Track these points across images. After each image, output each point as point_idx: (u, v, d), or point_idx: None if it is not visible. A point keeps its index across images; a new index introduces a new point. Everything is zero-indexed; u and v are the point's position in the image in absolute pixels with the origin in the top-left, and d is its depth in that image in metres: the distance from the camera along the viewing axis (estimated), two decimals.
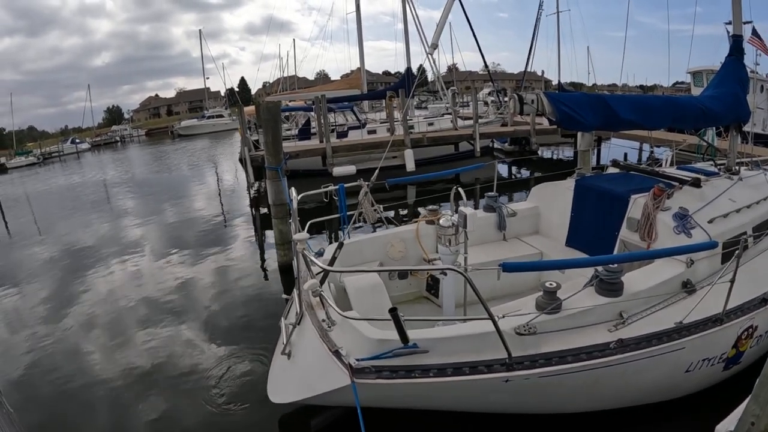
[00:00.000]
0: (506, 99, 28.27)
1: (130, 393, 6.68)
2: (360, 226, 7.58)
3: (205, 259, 12.50)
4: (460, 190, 6.37)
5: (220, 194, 23.51)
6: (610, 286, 4.70)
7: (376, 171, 7.15)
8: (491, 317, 3.75)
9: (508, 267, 3.88)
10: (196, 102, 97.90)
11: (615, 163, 8.03)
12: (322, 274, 5.35)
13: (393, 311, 3.61)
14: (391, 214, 13.14)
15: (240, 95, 67.83)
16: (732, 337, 4.95)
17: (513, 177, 21.53)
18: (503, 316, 4.16)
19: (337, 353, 4.15)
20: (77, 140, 67.59)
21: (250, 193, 19.76)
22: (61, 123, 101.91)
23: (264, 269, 11.56)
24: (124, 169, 39.95)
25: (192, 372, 7.05)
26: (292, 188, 6.16)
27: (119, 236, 16.33)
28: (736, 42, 7.84)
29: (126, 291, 10.72)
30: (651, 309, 4.84)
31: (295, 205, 5.73)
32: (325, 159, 20.21)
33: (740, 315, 4.89)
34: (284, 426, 5.59)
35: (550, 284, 4.47)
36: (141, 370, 7.24)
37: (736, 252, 4.47)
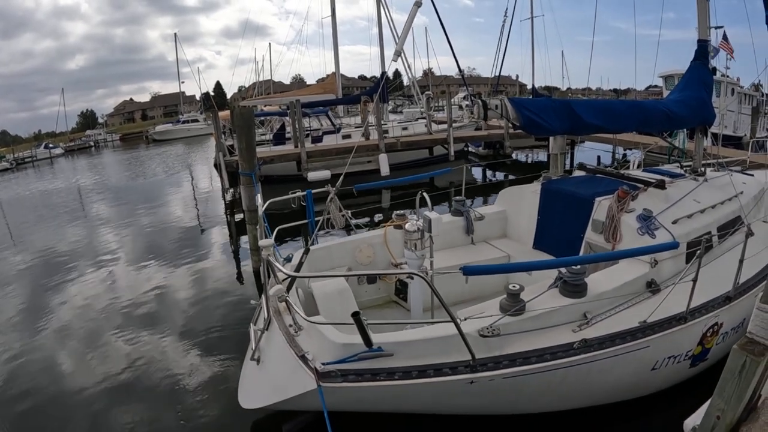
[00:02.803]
0: (468, 104, 28.52)
1: (101, 402, 6.65)
2: (328, 232, 7.59)
3: (180, 266, 12.43)
4: (425, 195, 6.43)
5: (195, 200, 23.38)
6: (573, 288, 4.79)
7: (342, 176, 7.17)
8: (453, 320, 3.81)
9: (468, 270, 3.94)
10: (171, 106, 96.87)
11: (581, 167, 8.15)
12: (289, 279, 5.38)
13: (355, 315, 3.65)
14: (364, 219, 13.21)
15: (215, 99, 67.17)
16: (697, 335, 5.06)
17: (487, 180, 21.69)
18: (465, 319, 4.22)
19: (303, 358, 4.19)
20: (51, 145, 66.46)
21: (225, 199, 19.65)
22: (34, 128, 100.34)
23: (239, 275, 11.54)
24: (99, 175, 39.47)
25: (165, 379, 7.04)
26: (258, 195, 6.18)
27: (94, 244, 16.14)
28: (701, 47, 8.00)
29: (100, 299, 10.63)
30: (615, 309, 4.93)
31: (260, 211, 5.75)
32: (300, 164, 20.21)
33: (704, 313, 5.00)
34: (256, 429, 5.61)
35: (513, 286, 4.55)
36: (114, 378, 7.20)
37: (698, 251, 4.58)
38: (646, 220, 5.79)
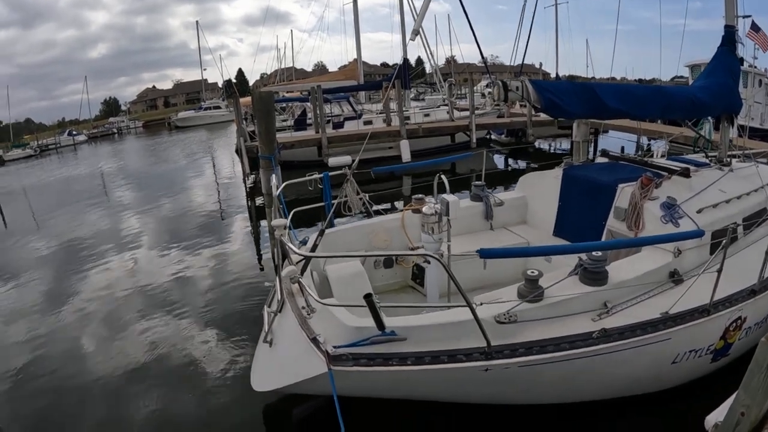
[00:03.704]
0: (489, 90, 28.26)
1: (119, 380, 6.76)
2: (350, 215, 7.53)
3: (201, 251, 12.51)
4: (444, 178, 6.33)
5: (217, 185, 23.50)
6: (594, 275, 4.66)
7: (357, 157, 7.10)
8: (469, 304, 3.72)
9: (485, 253, 3.85)
10: (193, 94, 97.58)
11: (604, 153, 7.99)
12: (303, 261, 5.33)
13: (368, 297, 3.57)
14: (384, 205, 13.17)
15: (237, 87, 67.48)
16: (720, 329, 4.90)
17: (509, 168, 21.49)
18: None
19: (315, 340, 4.12)
20: (74, 132, 67.54)
21: (246, 184, 19.71)
22: (58, 115, 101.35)
23: (259, 258, 11.59)
24: (122, 161, 39.92)
25: (182, 361, 7.11)
26: (273, 176, 6.13)
27: (116, 228, 16.32)
28: (728, 32, 7.78)
29: (122, 282, 10.76)
30: (637, 299, 4.79)
31: (275, 192, 5.70)
32: (321, 149, 20.18)
33: (728, 306, 4.83)
34: (268, 414, 5.61)
35: (532, 272, 4.43)
36: (132, 358, 7.29)
37: (724, 241, 4.44)
38: (670, 209, 5.62)
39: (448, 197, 5.29)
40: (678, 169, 6.38)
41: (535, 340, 4.17)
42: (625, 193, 6.10)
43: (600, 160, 7.95)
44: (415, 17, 26.50)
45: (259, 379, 4.94)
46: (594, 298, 4.62)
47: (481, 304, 4.12)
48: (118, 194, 23.65)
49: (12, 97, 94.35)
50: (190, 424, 5.78)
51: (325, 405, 4.94)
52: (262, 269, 10.91)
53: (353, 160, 7.28)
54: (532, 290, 4.40)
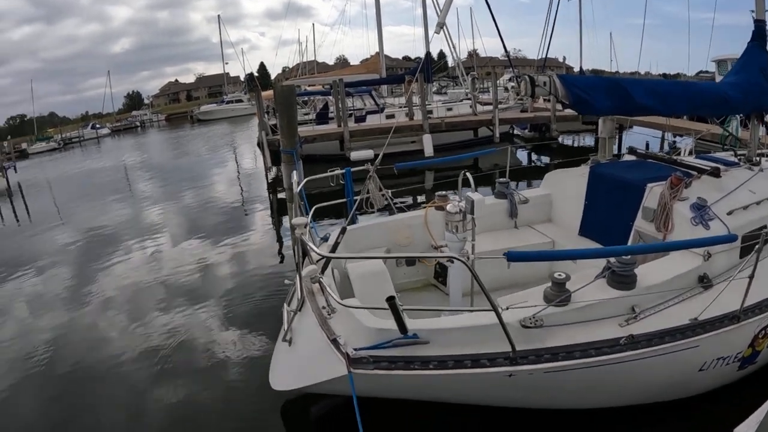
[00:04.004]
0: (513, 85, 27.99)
1: (139, 371, 6.86)
2: (372, 212, 7.44)
3: (222, 244, 12.54)
4: (469, 175, 6.21)
5: (239, 178, 23.60)
6: (622, 279, 4.50)
7: (381, 153, 7.00)
8: (494, 308, 3.60)
9: (513, 256, 3.70)
10: (215, 87, 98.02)
11: (631, 151, 7.80)
12: (324, 259, 5.26)
13: (390, 300, 3.48)
14: (406, 200, 13.09)
15: (259, 80, 67.74)
16: (749, 336, 4.73)
17: (532, 164, 21.27)
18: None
19: (335, 342, 4.05)
20: (98, 125, 68.47)
21: (267, 178, 19.73)
22: (81, 109, 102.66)
23: (280, 253, 11.56)
24: (145, 154, 40.28)
25: (201, 354, 7.13)
26: (295, 172, 6.06)
27: (139, 220, 16.51)
28: (759, 27, 7.54)
29: (143, 273, 10.90)
30: (665, 304, 4.61)
31: (296, 188, 5.62)
32: (343, 143, 20.10)
33: (758, 313, 4.65)
34: (286, 412, 5.56)
35: (559, 275, 4.29)
36: (153, 349, 7.38)
37: (756, 246, 4.27)
38: (700, 210, 5.42)
39: (473, 195, 5.18)
40: (708, 168, 6.15)
41: (561, 346, 4.04)
42: (654, 193, 5.92)
43: (627, 157, 7.76)
44: (438, 10, 26.44)
45: (278, 378, 4.88)
46: (622, 303, 4.46)
47: (507, 308, 4.00)
48: (140, 186, 23.89)
49: (36, 91, 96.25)
50: (208, 416, 5.78)
51: (344, 403, 4.87)
52: (282, 262, 10.90)
53: (375, 155, 7.19)
54: (559, 293, 4.26)
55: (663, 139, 21.51)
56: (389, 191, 7.28)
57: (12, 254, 14.05)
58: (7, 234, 17.55)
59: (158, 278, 10.49)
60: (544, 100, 24.31)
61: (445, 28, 27.37)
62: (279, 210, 15.63)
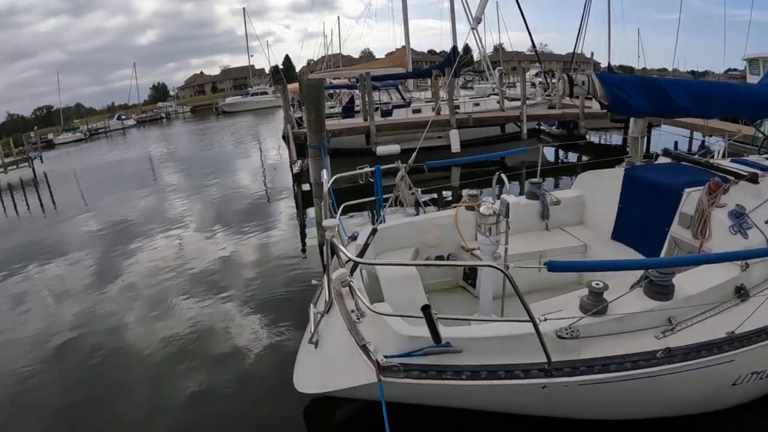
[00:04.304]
0: (554, 80, 27.58)
1: (161, 360, 6.98)
2: (396, 210, 7.37)
3: (246, 236, 12.60)
4: (504, 176, 6.07)
5: (263, 171, 23.71)
6: (660, 289, 4.34)
7: (415, 152, 6.89)
8: (532, 320, 3.50)
9: (554, 267, 3.55)
10: (240, 79, 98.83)
11: (666, 153, 7.58)
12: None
13: (426, 309, 3.38)
14: (431, 196, 13.00)
15: (284, 73, 68.07)
16: None
17: (560, 162, 21.02)
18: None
19: (364, 348, 3.94)
20: (123, 117, 69.35)
21: (292, 171, 19.73)
22: (107, 100, 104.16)
23: (304, 248, 11.53)
24: (170, 145, 40.61)
25: (224, 345, 7.19)
26: (324, 170, 5.98)
27: (163, 211, 16.68)
28: None
29: (167, 264, 10.98)
30: (701, 315, 4.45)
31: (326, 187, 5.53)
32: (369, 138, 20.00)
33: None
34: (309, 412, 5.50)
35: (597, 284, 4.14)
36: (175, 339, 7.47)
37: None
38: (739, 218, 5.23)
39: (509, 198, 5.04)
40: (746, 173, 5.92)
41: (597, 358, 3.91)
42: (691, 199, 5.72)
43: (662, 159, 7.56)
44: (464, 3, 26.25)
45: (303, 380, 4.83)
46: (659, 314, 4.33)
47: (545, 318, 3.88)
48: (165, 177, 24.11)
49: (63, 83, 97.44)
50: (228, 410, 5.78)
51: (369, 407, 4.81)
52: (305, 257, 10.87)
53: (403, 150, 7.09)
54: (596, 303, 4.12)
55: (691, 138, 21.14)
56: (419, 190, 7.19)
57: (37, 242, 14.37)
58: (33, 223, 17.89)
59: (181, 268, 10.59)
60: (565, 96, 23.95)
61: (471, 21, 27.24)
62: (304, 203, 15.65)
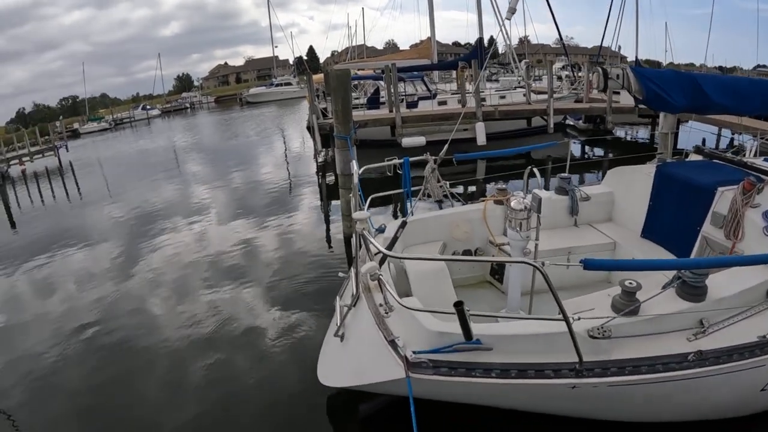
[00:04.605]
0: (581, 74, 27.25)
1: (182, 348, 7.05)
2: (422, 200, 7.33)
3: (270, 226, 12.69)
4: (536, 170, 6.00)
5: (287, 161, 23.77)
6: (694, 290, 4.26)
7: (446, 146, 6.85)
8: (566, 319, 3.46)
9: (590, 264, 3.52)
10: (264, 70, 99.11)
11: (698, 150, 7.44)
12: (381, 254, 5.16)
13: (459, 305, 3.35)
14: (459, 189, 12.94)
15: (308, 64, 68.19)
16: None
17: (586, 157, 20.80)
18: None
19: (393, 343, 3.93)
20: (148, 107, 70.05)
21: (317, 161, 19.76)
22: (132, 91, 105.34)
23: (328, 238, 11.55)
24: (194, 135, 40.90)
25: (247, 334, 7.25)
26: (353, 161, 5.95)
27: (187, 199, 16.83)
28: None
29: (190, 252, 11.13)
30: (732, 318, 4.36)
31: (356, 179, 5.50)
32: (394, 129, 19.93)
33: None
34: (332, 405, 5.50)
35: (630, 283, 4.07)
36: (198, 327, 7.57)
37: None
38: None
39: (541, 193, 4.95)
40: None
41: (628, 359, 3.86)
42: (725, 198, 5.60)
43: (693, 157, 7.42)
44: None
45: (328, 374, 4.84)
46: (691, 316, 4.25)
47: (578, 317, 3.83)
48: (189, 167, 24.34)
49: (89, 74, 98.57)
50: (251, 400, 5.82)
51: (394, 403, 4.80)
52: (330, 247, 10.89)
53: (429, 142, 7.05)
54: (628, 303, 4.06)
55: (719, 135, 20.82)
56: (447, 183, 7.14)
57: (63, 230, 14.64)
58: (58, 210, 18.09)
59: (204, 256, 10.69)
60: (599, 90, 23.66)
61: (498, 13, 27.04)
62: (328, 194, 15.65)
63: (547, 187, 7.34)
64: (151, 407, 5.85)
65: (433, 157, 6.91)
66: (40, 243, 13.15)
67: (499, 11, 27.25)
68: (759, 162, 6.77)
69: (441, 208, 7.36)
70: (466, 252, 6.74)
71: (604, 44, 38.25)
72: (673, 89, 5.53)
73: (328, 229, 12.22)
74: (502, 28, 28.24)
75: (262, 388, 6.00)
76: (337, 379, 4.65)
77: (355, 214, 4.58)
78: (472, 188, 14.52)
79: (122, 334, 7.55)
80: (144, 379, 6.40)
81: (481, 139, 18.98)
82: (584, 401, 4.15)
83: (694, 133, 20.31)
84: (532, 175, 6.05)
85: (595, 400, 4.13)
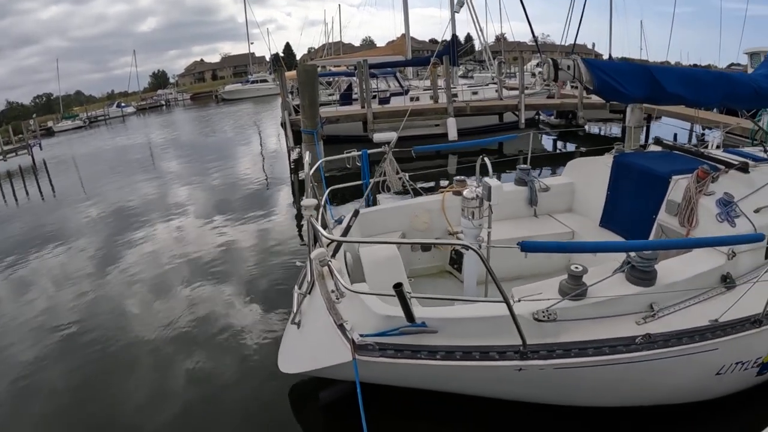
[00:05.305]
0: (540, 70, 27.48)
1: (154, 346, 6.99)
2: (389, 195, 7.35)
3: (243, 222, 12.65)
4: (487, 160, 6.04)
5: (262, 158, 23.72)
6: (642, 275, 4.31)
7: (394, 137, 6.88)
8: (505, 300, 3.47)
9: (527, 246, 3.55)
10: (240, 67, 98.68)
11: (657, 141, 7.53)
12: (335, 242, 5.18)
13: (398, 287, 3.39)
14: (428, 184, 13.00)
15: (285, 61, 67.99)
16: None
17: (558, 150, 20.96)
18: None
19: (341, 327, 3.98)
20: (123, 104, 69.60)
21: (290, 158, 19.74)
22: (107, 88, 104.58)
23: (300, 234, 11.50)
24: (168, 132, 40.66)
25: (218, 330, 7.21)
26: (308, 152, 5.97)
27: (163, 198, 16.73)
28: None
29: (165, 250, 11.06)
30: (685, 303, 4.42)
31: (307, 170, 5.52)
32: (366, 125, 20.00)
33: None
34: (294, 395, 5.55)
35: (576, 267, 4.13)
36: (169, 325, 7.49)
37: None
38: (727, 206, 5.17)
39: (491, 181, 4.98)
40: (736, 162, 5.86)
41: (574, 342, 3.90)
42: (679, 186, 5.69)
43: (653, 148, 7.51)
44: None
45: (286, 361, 4.84)
46: (640, 300, 4.30)
47: (520, 300, 3.86)
48: (165, 164, 24.11)
49: (65, 70, 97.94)
50: (218, 392, 5.83)
51: (353, 390, 4.85)
52: (303, 243, 10.79)
53: (401, 138, 7.08)
54: (575, 287, 4.10)
55: (691, 131, 21.08)
56: (406, 174, 7.17)
57: (36, 230, 14.36)
58: (32, 210, 17.86)
59: (178, 255, 10.62)
60: (572, 86, 23.84)
61: (472, 11, 27.13)
62: (301, 190, 15.59)
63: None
64: (120, 402, 5.84)
65: (388, 148, 6.92)
66: (13, 243, 12.97)
67: (473, 8, 27.37)
68: (717, 153, 6.88)
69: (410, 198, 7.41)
70: (419, 243, 6.80)
71: (573, 40, 38.47)
72: (625, 80, 5.56)
73: (299, 225, 12.18)
74: (476, 24, 28.38)
75: (229, 380, 6.01)
76: (295, 366, 4.65)
77: (304, 201, 4.62)
78: (444, 183, 14.57)
79: (97, 333, 7.49)
80: (116, 375, 6.40)
81: (453, 135, 19.08)
82: (532, 385, 4.17)
83: (667, 128, 20.58)
84: (484, 166, 6.08)
85: (544, 384, 4.16)
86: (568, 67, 5.49)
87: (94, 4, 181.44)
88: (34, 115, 50.61)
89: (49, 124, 57.03)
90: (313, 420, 5.38)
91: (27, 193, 21.25)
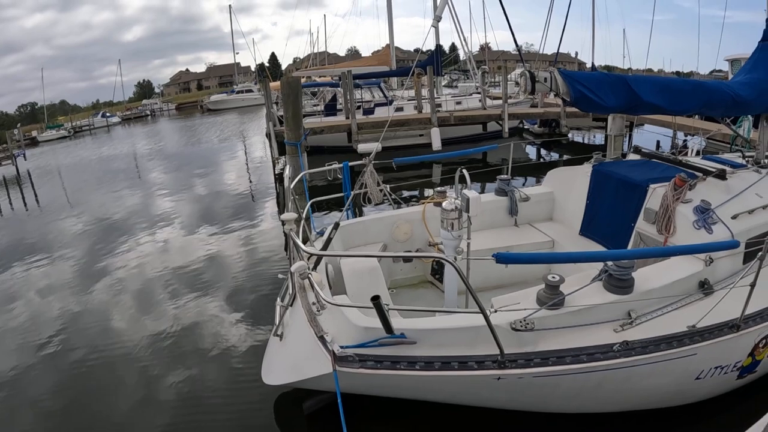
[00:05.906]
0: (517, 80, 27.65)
1: (138, 359, 6.99)
2: (371, 207, 7.39)
3: (228, 234, 12.63)
4: (465, 172, 6.09)
5: (247, 169, 23.65)
6: (619, 283, 4.38)
7: (375, 149, 6.94)
8: (482, 310, 3.53)
9: (502, 258, 3.61)
10: (226, 77, 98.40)
11: (636, 150, 7.63)
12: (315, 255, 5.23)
13: (375, 299, 3.43)
14: (412, 193, 13.03)
15: (270, 71, 68.05)
16: (749, 345, 4.59)
17: (541, 159, 21.09)
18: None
19: (322, 339, 4.04)
20: (108, 114, 69.22)
21: (275, 169, 19.74)
22: (92, 97, 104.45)
23: (286, 246, 11.42)
24: (154, 143, 40.44)
25: (203, 342, 7.25)
26: (288, 166, 6.01)
27: (148, 209, 16.66)
28: None
29: (150, 262, 11.03)
30: (663, 310, 4.50)
31: (287, 183, 5.56)
32: (351, 135, 20.02)
33: (759, 322, 4.50)
34: (278, 404, 5.58)
35: (553, 277, 4.19)
36: (154, 338, 7.51)
37: (759, 253, 4.13)
38: (704, 213, 5.26)
39: (469, 193, 5.02)
40: (714, 170, 5.97)
41: (551, 350, 3.96)
42: (656, 194, 5.78)
43: (632, 156, 7.60)
44: (450, 3, 26.20)
45: (269, 373, 4.90)
46: (618, 307, 4.36)
47: (496, 311, 3.91)
48: (150, 175, 24.03)
49: (50, 78, 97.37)
50: (202, 405, 5.87)
51: (336, 400, 4.88)
52: (287, 255, 10.81)
53: (385, 148, 7.12)
54: (552, 296, 4.15)
55: (674, 138, 21.24)
56: (387, 186, 7.21)
57: (20, 241, 14.28)
58: (15, 221, 17.74)
59: (163, 267, 10.60)
60: (555, 95, 23.95)
61: (456, 21, 27.26)
62: (285, 201, 15.60)
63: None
64: (97, 418, 5.80)
65: (369, 160, 6.96)
66: None
67: (456, 18, 27.51)
68: (695, 160, 6.98)
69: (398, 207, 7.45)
70: (397, 256, 6.81)
71: (552, 50, 38.65)
72: (602, 91, 5.62)
73: (284, 236, 12.15)
74: (460, 34, 28.51)
75: (212, 392, 6.06)
76: (278, 377, 4.70)
77: (283, 216, 4.69)
78: (429, 191, 14.62)
79: (81, 346, 7.48)
80: (100, 389, 6.39)
81: (437, 145, 19.17)
82: (512, 393, 4.22)
83: (649, 136, 20.75)
84: (463, 177, 6.13)
85: (523, 392, 4.20)
86: (545, 79, 5.55)
87: (79, 12, 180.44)
88: (19, 125, 50.31)
89: (34, 133, 56.61)
90: (298, 429, 5.40)
91: (11, 203, 21.09)
